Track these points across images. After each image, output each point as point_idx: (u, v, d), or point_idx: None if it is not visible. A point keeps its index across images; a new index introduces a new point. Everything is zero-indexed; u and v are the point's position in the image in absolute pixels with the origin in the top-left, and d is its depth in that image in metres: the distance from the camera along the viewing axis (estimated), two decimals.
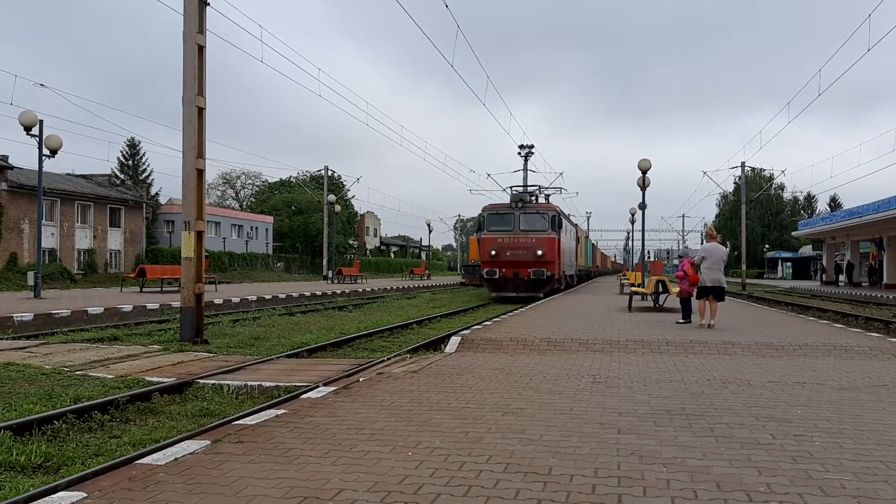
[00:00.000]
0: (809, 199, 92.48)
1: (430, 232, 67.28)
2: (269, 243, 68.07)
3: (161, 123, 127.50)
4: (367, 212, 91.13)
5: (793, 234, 66.70)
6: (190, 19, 12.08)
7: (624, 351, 9.49)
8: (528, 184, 34.65)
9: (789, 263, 78.15)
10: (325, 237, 51.19)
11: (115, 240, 43.54)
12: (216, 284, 31.56)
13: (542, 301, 21.91)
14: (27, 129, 20.52)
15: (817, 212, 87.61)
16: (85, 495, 3.54)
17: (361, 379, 7.28)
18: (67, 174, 45.23)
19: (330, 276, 46.60)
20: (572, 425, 5.12)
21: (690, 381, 7.11)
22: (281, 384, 8.03)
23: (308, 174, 74.32)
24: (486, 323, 13.02)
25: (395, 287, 38.78)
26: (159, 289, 28.42)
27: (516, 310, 17.12)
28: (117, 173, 55.41)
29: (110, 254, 43.25)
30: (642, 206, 26.25)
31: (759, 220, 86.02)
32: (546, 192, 37.58)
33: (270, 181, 79.54)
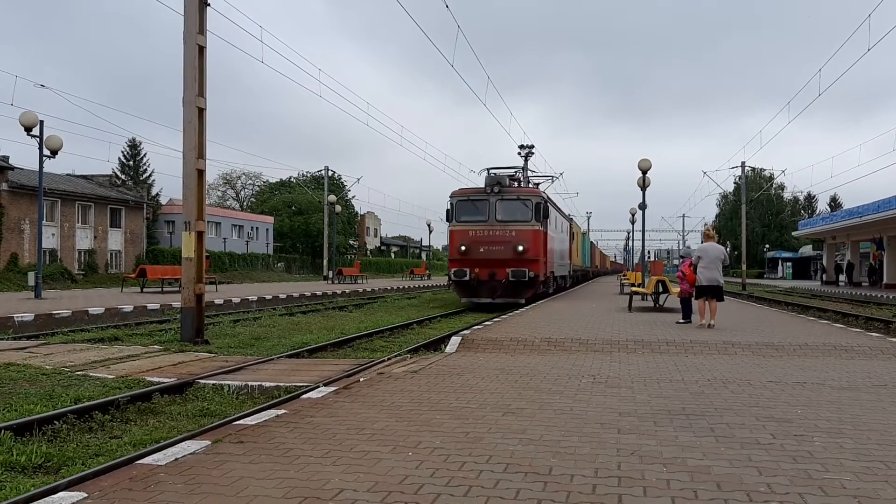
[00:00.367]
0: (809, 198, 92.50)
1: (430, 232, 67.19)
2: (269, 243, 68.09)
3: (162, 124, 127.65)
4: (368, 212, 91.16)
5: (793, 234, 66.72)
6: (190, 20, 12.08)
7: (624, 351, 9.49)
8: (509, 165, 26.80)
9: (789, 263, 78.16)
10: (326, 237, 51.19)
11: (115, 240, 43.55)
12: (217, 285, 31.57)
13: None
14: (28, 129, 20.52)
15: (817, 212, 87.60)
16: (85, 495, 3.54)
17: (362, 379, 7.28)
18: (68, 175, 45.27)
19: (330, 276, 46.60)
20: (572, 425, 5.12)
21: (691, 381, 7.12)
22: (281, 384, 8.03)
23: (308, 174, 74.36)
24: (486, 323, 13.02)
25: (395, 287, 38.79)
26: (160, 289, 28.43)
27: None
28: (118, 174, 55.48)
29: (111, 254, 43.27)
30: (642, 207, 26.22)
31: (759, 219, 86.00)
32: (534, 180, 32.44)
33: (271, 181, 79.61)
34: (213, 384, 8.07)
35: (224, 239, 58.41)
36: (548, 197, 24.35)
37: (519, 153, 42.19)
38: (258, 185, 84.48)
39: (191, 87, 12.02)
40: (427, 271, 61.78)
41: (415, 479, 3.82)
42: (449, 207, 22.33)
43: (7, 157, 36.10)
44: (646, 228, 28.04)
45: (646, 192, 25.59)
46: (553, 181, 31.00)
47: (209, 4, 12.41)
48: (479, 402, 6.00)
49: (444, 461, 4.18)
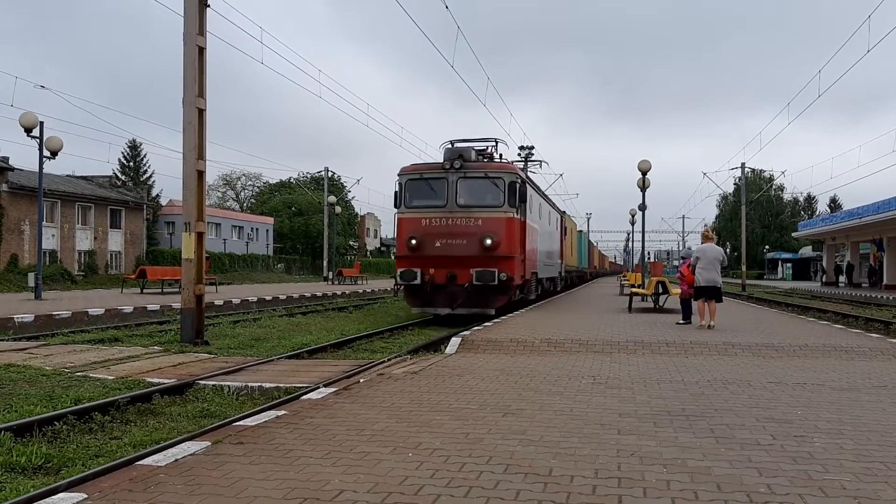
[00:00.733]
0: (809, 200, 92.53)
1: None
2: (269, 244, 68.10)
3: (162, 125, 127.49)
4: (368, 213, 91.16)
5: (793, 234, 66.75)
6: (190, 21, 12.09)
7: (624, 352, 9.49)
8: (479, 137, 20.50)
9: (789, 264, 78.20)
10: (326, 238, 51.19)
11: (115, 241, 43.57)
12: (217, 286, 31.57)
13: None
14: (28, 130, 20.53)
15: (817, 213, 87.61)
16: (86, 496, 3.54)
17: (362, 380, 7.28)
18: (68, 176, 45.28)
19: (330, 277, 46.60)
20: (572, 426, 5.12)
21: (691, 382, 7.12)
22: (281, 385, 8.03)
23: (308, 175, 74.39)
24: (486, 324, 13.02)
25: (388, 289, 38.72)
26: (160, 290, 28.42)
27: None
28: (118, 175, 55.54)
29: (111, 255, 43.28)
30: (642, 207, 26.21)
31: (759, 220, 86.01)
32: (518, 160, 28.51)
33: (271, 182, 79.64)
34: (213, 385, 8.07)
35: (224, 240, 58.44)
36: (527, 177, 19.58)
37: (519, 154, 42.14)
38: (258, 186, 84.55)
39: (191, 87, 12.02)
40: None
41: (415, 480, 3.82)
42: (397, 189, 17.27)
43: (7, 158, 36.11)
44: (646, 229, 28.05)
45: (646, 193, 25.59)
46: (542, 165, 27.09)
47: (209, 5, 12.41)
48: (479, 402, 6.00)
49: (445, 462, 4.18)
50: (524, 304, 19.16)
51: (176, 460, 4.18)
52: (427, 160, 23.88)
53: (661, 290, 17.36)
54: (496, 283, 16.00)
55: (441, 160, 17.16)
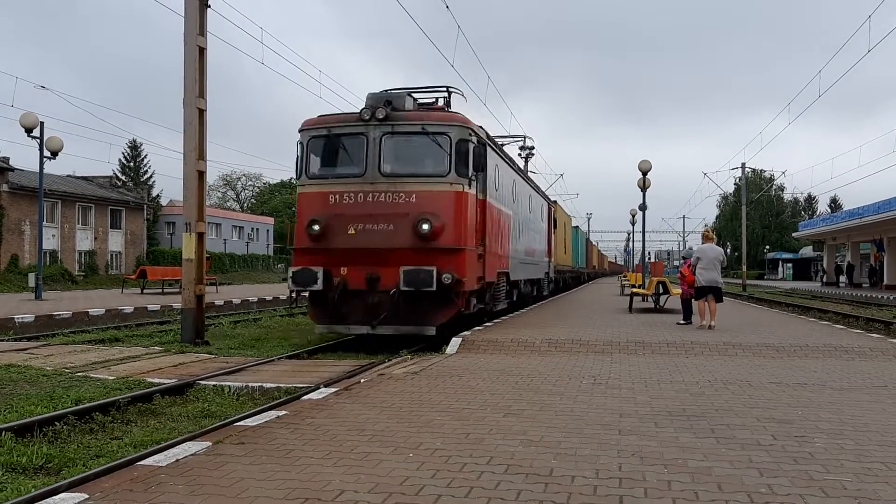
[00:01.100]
0: (810, 200, 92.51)
1: None
2: (269, 245, 68.13)
3: (162, 125, 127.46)
4: None
5: (793, 235, 66.76)
6: (191, 21, 12.09)
7: (625, 352, 9.49)
8: (420, 86, 13.75)
9: (790, 264, 78.19)
10: None
11: (116, 241, 43.60)
12: (217, 286, 31.58)
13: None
14: (28, 130, 20.54)
15: (818, 213, 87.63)
16: (87, 496, 3.54)
17: (362, 380, 7.28)
18: (69, 176, 45.31)
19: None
20: (573, 426, 5.12)
21: (691, 382, 7.12)
22: (282, 385, 8.03)
23: None
24: (487, 324, 13.02)
25: None
26: (160, 290, 28.44)
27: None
28: (119, 175, 55.57)
29: (111, 255, 43.31)
30: (643, 208, 26.21)
31: (759, 221, 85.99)
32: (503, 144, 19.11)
33: (271, 183, 79.67)
34: (214, 385, 8.08)
35: (224, 240, 58.46)
36: (487, 136, 13.03)
37: (519, 154, 42.09)
38: (258, 187, 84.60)
39: (191, 88, 12.03)
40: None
41: (416, 481, 3.82)
42: (298, 152, 12.18)
43: (7, 159, 36.14)
44: (646, 229, 28.04)
45: (646, 193, 25.59)
46: (525, 140, 20.71)
47: (209, 6, 12.42)
48: (480, 403, 6.00)
49: (445, 462, 4.18)
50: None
51: (177, 460, 4.18)
52: None
53: (661, 291, 17.36)
54: (435, 287, 10.73)
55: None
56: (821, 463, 4.21)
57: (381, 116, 11.45)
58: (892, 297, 29.80)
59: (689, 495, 3.59)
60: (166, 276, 29.03)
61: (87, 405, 6.88)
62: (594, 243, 74.44)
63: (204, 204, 12.44)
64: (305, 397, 6.38)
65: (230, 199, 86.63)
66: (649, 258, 41.20)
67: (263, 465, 4.10)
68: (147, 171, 61.10)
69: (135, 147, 59.92)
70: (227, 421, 6.12)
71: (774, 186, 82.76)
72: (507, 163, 15.78)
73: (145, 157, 60.94)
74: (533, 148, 42.65)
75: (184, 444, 4.57)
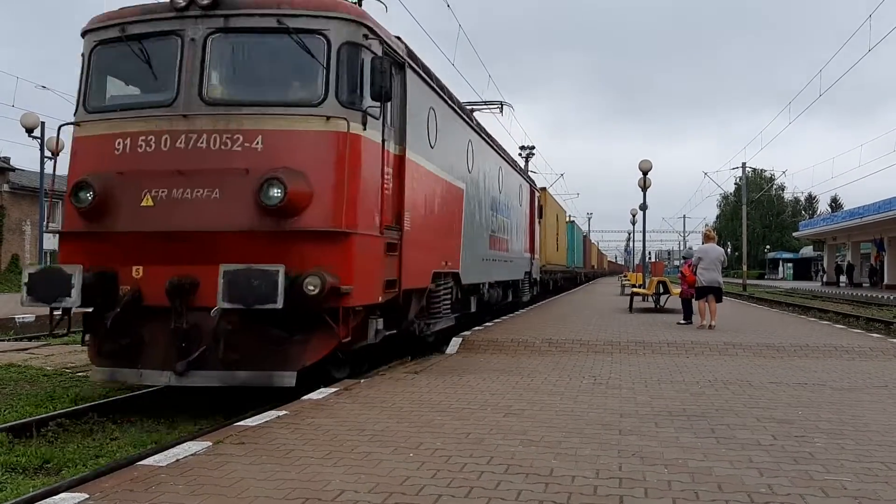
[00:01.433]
0: (810, 199, 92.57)
1: None
2: None
3: None
4: None
5: (794, 234, 66.78)
6: None
7: (625, 352, 9.49)
8: None
9: (790, 264, 78.18)
10: None
11: None
12: None
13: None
14: (29, 131, 20.53)
15: (818, 212, 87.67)
16: (87, 496, 3.54)
17: (363, 380, 7.28)
18: None
19: None
20: (574, 426, 5.12)
21: (692, 382, 7.12)
22: None
23: None
24: (487, 324, 13.01)
25: None
26: None
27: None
28: None
29: None
30: (643, 207, 26.19)
31: (759, 220, 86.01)
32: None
33: None
34: None
35: None
36: (411, 54, 8.53)
37: (520, 154, 42.08)
38: None
39: None
40: None
41: (416, 481, 3.82)
42: (80, 70, 7.47)
43: (8, 159, 36.15)
44: (647, 229, 28.02)
45: (646, 193, 25.58)
46: (502, 109, 17.49)
47: None
48: (480, 403, 6.00)
49: (446, 462, 4.18)
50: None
51: (177, 460, 4.18)
52: None
53: (661, 290, 17.35)
54: (280, 304, 6.16)
55: None
56: (821, 463, 4.21)
57: (204, 2, 6.68)
58: (892, 297, 29.79)
59: (690, 495, 3.59)
60: None
61: (87, 405, 6.87)
62: (594, 242, 74.30)
63: None
64: (305, 397, 6.37)
65: None
66: (650, 258, 41.15)
67: (264, 465, 4.10)
68: None
69: None
70: (227, 421, 6.12)
71: (775, 186, 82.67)
72: (458, 111, 10.80)
73: None
74: (533, 148, 42.66)
75: (184, 444, 4.57)
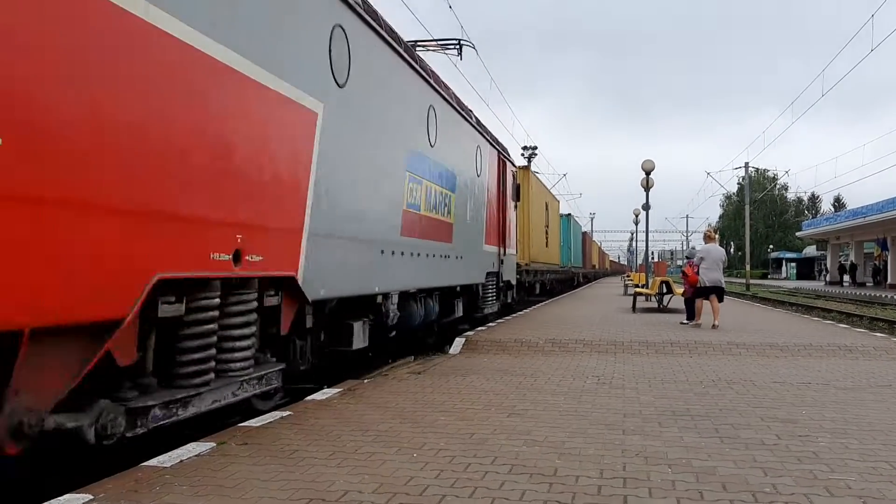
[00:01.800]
0: (813, 199, 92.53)
1: None
2: None
3: None
4: None
5: (797, 234, 66.68)
6: None
7: (628, 352, 9.49)
8: None
9: (793, 264, 78.07)
10: None
11: None
12: None
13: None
14: None
15: (821, 212, 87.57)
16: (91, 497, 3.55)
17: (366, 380, 7.29)
18: None
19: None
20: (577, 426, 5.12)
21: (695, 382, 7.11)
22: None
23: None
24: (490, 325, 13.01)
25: None
26: None
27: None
28: None
29: None
30: (646, 207, 26.17)
31: (762, 220, 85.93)
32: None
33: None
34: None
35: None
36: None
37: (522, 154, 42.07)
38: None
39: None
40: None
41: (420, 481, 3.82)
42: None
43: None
44: (649, 229, 28.01)
45: (649, 193, 25.55)
46: (461, 50, 13.60)
47: None
48: (484, 403, 6.00)
49: (449, 462, 4.18)
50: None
51: (181, 461, 4.19)
52: None
53: (665, 290, 17.35)
54: None
55: None
56: (825, 462, 4.20)
57: None
58: (895, 297, 29.73)
59: (694, 495, 3.59)
60: None
61: None
62: (597, 242, 74.12)
63: None
64: (309, 398, 6.39)
65: None
66: (653, 258, 41.07)
67: (268, 466, 4.10)
68: None
69: None
70: (230, 422, 6.12)
71: (778, 186, 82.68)
72: None
73: None
74: (535, 148, 42.57)
75: (188, 445, 4.57)
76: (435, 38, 14.34)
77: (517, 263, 17.41)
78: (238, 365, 5.26)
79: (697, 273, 12.84)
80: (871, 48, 19.19)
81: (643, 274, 26.72)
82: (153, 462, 4.20)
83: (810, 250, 75.78)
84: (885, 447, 4.56)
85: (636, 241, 61.90)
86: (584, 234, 47.45)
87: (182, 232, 4.30)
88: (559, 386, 6.87)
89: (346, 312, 7.35)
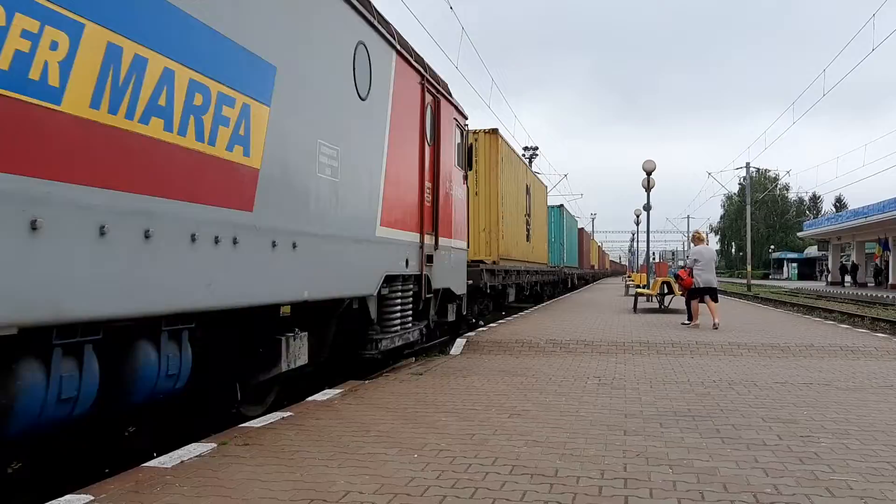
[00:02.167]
0: (815, 199, 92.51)
1: None
2: None
3: None
4: None
5: (798, 234, 66.64)
6: None
7: (629, 352, 9.48)
8: None
9: (795, 264, 78.05)
10: None
11: None
12: None
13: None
14: None
15: (823, 212, 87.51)
16: (92, 498, 3.55)
17: (367, 381, 7.29)
18: None
19: None
20: (578, 427, 5.12)
21: (696, 383, 7.11)
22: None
23: None
24: (491, 325, 13.01)
25: None
26: None
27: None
28: None
29: None
30: (647, 208, 26.17)
31: (764, 220, 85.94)
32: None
33: None
34: None
35: None
36: None
37: (523, 155, 42.09)
38: None
39: None
40: None
41: (421, 481, 3.82)
42: None
43: None
44: (650, 230, 27.99)
45: (650, 194, 25.54)
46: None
47: None
48: (485, 403, 6.00)
49: (450, 463, 4.18)
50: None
51: (182, 462, 4.19)
52: None
53: (665, 291, 17.35)
54: None
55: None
56: (826, 463, 4.20)
57: None
58: None
59: (695, 496, 3.59)
60: None
61: None
62: (598, 242, 74.01)
63: None
64: (311, 398, 6.39)
65: None
66: (654, 258, 41.00)
67: (269, 466, 4.11)
68: None
69: None
70: (231, 422, 6.12)
71: (779, 186, 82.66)
72: None
73: None
74: (537, 148, 42.52)
75: (189, 446, 4.57)
76: (435, 38, 14.54)
77: (480, 262, 13.90)
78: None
79: (691, 275, 12.90)
80: (871, 48, 19.19)
81: (644, 274, 26.70)
82: (154, 463, 4.20)
83: (812, 250, 75.72)
84: (887, 448, 4.56)
85: (637, 241, 61.87)
86: (581, 230, 42.70)
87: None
88: (560, 386, 6.86)
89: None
